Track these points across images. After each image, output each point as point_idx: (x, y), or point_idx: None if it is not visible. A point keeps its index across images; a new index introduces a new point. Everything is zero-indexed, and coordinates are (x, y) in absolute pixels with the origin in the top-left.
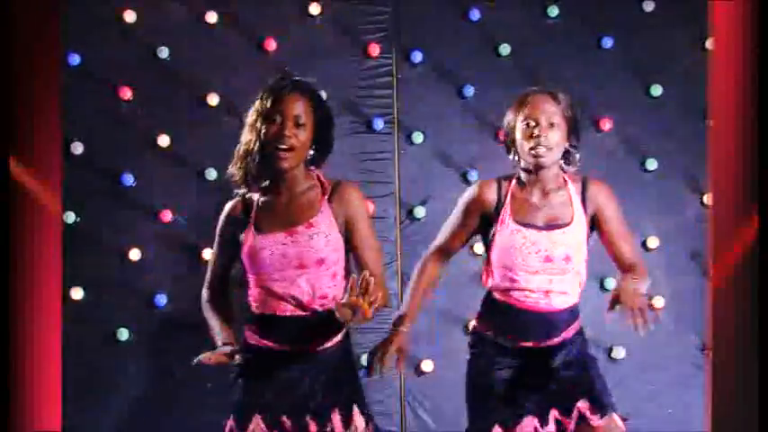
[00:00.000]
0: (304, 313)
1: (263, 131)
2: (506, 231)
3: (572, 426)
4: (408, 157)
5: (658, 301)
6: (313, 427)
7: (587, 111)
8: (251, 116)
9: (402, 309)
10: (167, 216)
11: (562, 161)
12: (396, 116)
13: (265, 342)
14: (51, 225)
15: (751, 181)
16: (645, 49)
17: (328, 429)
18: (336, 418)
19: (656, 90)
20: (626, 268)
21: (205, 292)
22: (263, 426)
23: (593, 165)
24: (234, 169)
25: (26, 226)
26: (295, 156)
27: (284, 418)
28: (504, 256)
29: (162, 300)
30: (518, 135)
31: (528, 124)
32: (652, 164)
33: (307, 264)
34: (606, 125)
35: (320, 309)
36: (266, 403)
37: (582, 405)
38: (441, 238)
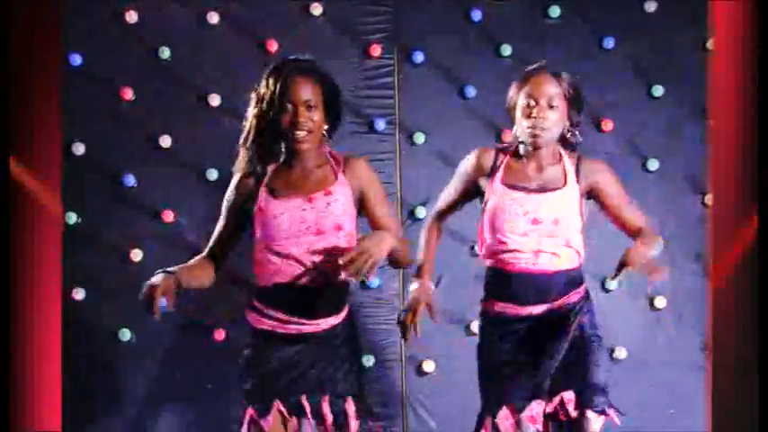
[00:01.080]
0: (319, 284)
1: (275, 119)
2: (495, 195)
3: (550, 410)
4: (410, 157)
5: (660, 302)
6: (326, 408)
7: (588, 111)
8: (256, 105)
9: (419, 261)
10: (169, 216)
11: (561, 141)
12: (397, 117)
13: (273, 313)
14: (51, 225)
15: (751, 181)
16: (646, 50)
17: (338, 413)
18: (350, 406)
19: (658, 90)
20: (634, 233)
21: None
22: (284, 410)
23: None
24: (243, 154)
25: (26, 226)
26: (313, 137)
27: (303, 400)
28: (493, 218)
29: (164, 300)
30: (518, 113)
31: (528, 103)
32: (653, 164)
33: (325, 229)
34: (607, 126)
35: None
36: (283, 388)
37: (567, 396)
38: (440, 202)
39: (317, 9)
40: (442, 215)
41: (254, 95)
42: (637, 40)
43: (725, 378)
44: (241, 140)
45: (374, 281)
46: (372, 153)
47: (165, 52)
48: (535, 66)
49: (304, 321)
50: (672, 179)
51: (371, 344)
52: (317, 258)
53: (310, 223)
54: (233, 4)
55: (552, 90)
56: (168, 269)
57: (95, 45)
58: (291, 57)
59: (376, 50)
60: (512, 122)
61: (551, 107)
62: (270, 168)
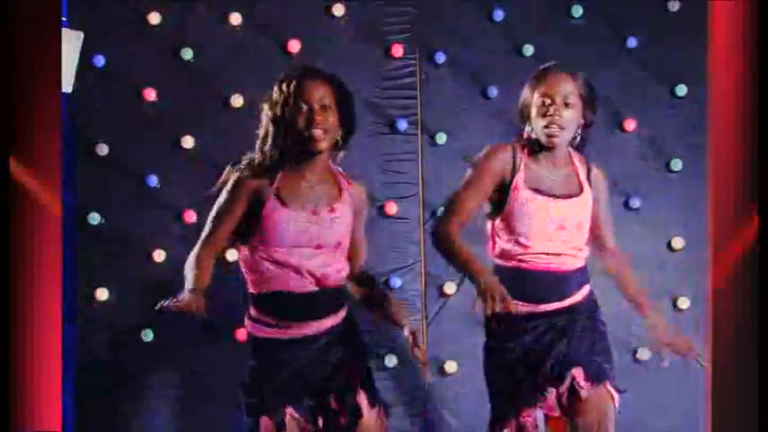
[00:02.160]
0: (315, 289)
1: (291, 122)
2: (520, 198)
3: (563, 390)
4: (432, 157)
5: (683, 302)
6: (335, 406)
7: (611, 111)
8: (270, 109)
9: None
10: (191, 217)
11: (576, 138)
12: (419, 117)
13: (272, 321)
14: (51, 225)
15: (751, 181)
16: (669, 49)
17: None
18: (362, 398)
19: (681, 90)
20: (603, 250)
21: (199, 250)
22: (297, 415)
23: (617, 165)
24: (259, 159)
25: (26, 226)
26: (329, 137)
27: (311, 403)
28: (518, 222)
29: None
30: (533, 111)
31: (543, 102)
32: (677, 164)
33: (325, 244)
34: (630, 126)
35: (329, 285)
36: (294, 393)
37: (576, 372)
38: (460, 206)
39: (339, 9)
40: (461, 223)
41: (265, 105)
42: (660, 40)
43: (725, 378)
44: (258, 145)
45: (396, 281)
46: (394, 153)
47: (188, 53)
48: (549, 64)
49: (302, 325)
50: (696, 179)
51: (393, 344)
52: (314, 270)
53: (312, 236)
54: (255, 5)
55: (568, 88)
56: (189, 287)
57: (118, 46)
58: (296, 67)
59: (398, 51)
60: (522, 123)
61: (567, 105)
62: (278, 176)
